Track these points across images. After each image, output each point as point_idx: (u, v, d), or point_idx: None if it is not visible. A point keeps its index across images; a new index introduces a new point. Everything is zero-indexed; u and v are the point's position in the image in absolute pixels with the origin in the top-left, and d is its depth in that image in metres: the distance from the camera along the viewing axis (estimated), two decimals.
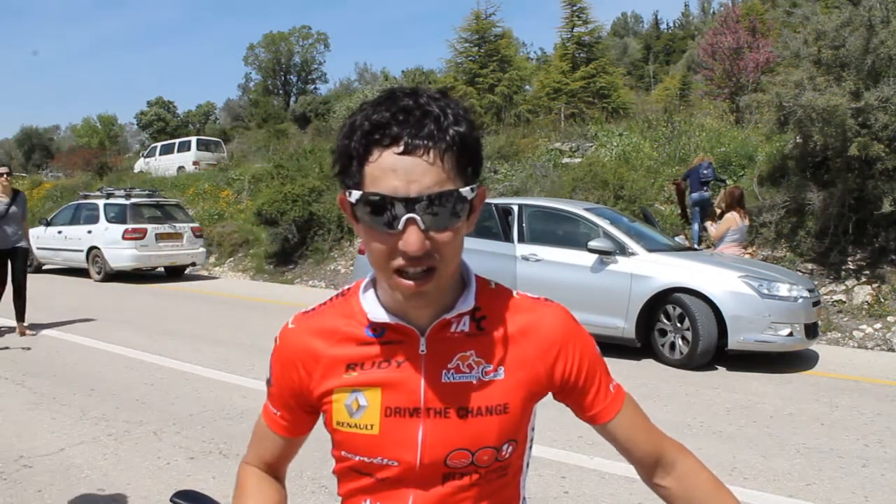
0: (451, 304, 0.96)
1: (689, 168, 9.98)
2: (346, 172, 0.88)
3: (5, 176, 7.08)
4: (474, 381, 0.95)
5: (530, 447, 1.07)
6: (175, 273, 13.51)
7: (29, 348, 6.61)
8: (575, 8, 19.01)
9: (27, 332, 7.26)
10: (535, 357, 0.98)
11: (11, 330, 7.33)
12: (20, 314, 7.25)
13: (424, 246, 0.85)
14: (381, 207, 0.85)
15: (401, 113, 0.85)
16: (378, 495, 0.98)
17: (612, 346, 6.31)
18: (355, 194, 0.87)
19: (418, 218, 0.84)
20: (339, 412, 0.98)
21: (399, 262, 0.86)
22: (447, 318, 0.95)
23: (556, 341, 0.99)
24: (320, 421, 1.05)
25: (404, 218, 0.84)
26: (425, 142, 0.84)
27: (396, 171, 0.84)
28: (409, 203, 0.83)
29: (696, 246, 9.33)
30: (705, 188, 9.59)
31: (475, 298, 0.98)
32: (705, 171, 9.58)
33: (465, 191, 0.87)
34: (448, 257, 0.89)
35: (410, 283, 0.87)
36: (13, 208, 7.15)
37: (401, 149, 0.84)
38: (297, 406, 1.04)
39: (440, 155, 0.84)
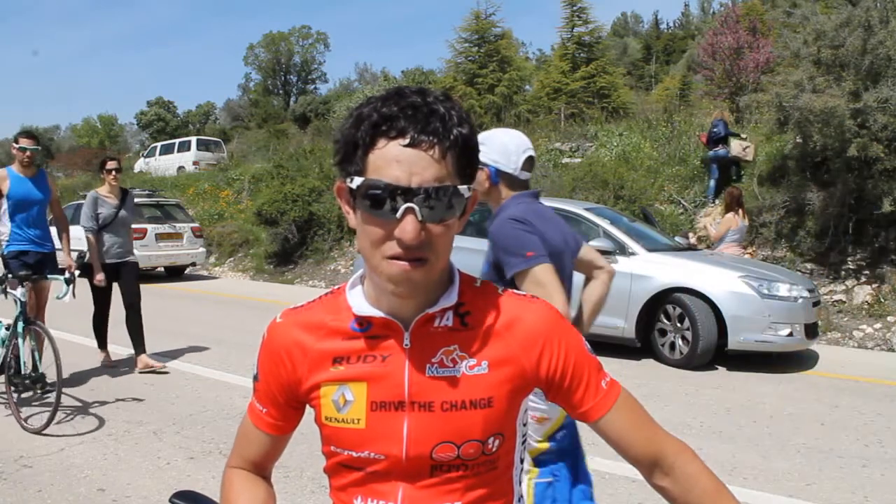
0: (435, 300, 0.98)
1: (709, 129, 10.52)
2: (349, 160, 0.92)
3: (114, 173, 5.72)
4: (458, 376, 0.97)
5: (523, 443, 1.07)
6: (175, 273, 13.51)
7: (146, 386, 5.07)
8: (575, 8, 19.01)
9: (153, 364, 5.75)
10: (519, 352, 0.99)
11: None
12: (138, 343, 5.76)
13: (420, 236, 0.87)
14: (381, 195, 0.87)
15: (409, 108, 0.88)
16: (368, 489, 0.99)
17: (612, 346, 6.31)
18: (357, 180, 0.90)
19: (417, 208, 0.87)
20: (327, 407, 0.99)
21: (393, 249, 0.89)
22: (430, 313, 0.97)
23: (540, 336, 1.00)
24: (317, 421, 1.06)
25: (403, 207, 0.87)
26: (430, 137, 0.87)
27: (400, 161, 0.87)
28: (410, 193, 0.87)
29: (711, 200, 10.03)
30: (720, 145, 10.01)
31: (459, 294, 1.00)
32: (715, 130, 10.04)
33: (463, 189, 0.91)
34: (440, 251, 0.91)
35: (405, 264, 0.89)
36: (122, 212, 5.76)
37: (406, 141, 0.87)
38: (285, 402, 1.05)
39: (443, 152, 0.88)
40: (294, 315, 1.05)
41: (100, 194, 5.75)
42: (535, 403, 1.91)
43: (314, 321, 1.02)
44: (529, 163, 2.09)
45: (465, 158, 0.91)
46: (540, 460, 2.04)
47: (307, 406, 1.06)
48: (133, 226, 12.17)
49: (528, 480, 2.01)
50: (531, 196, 2.11)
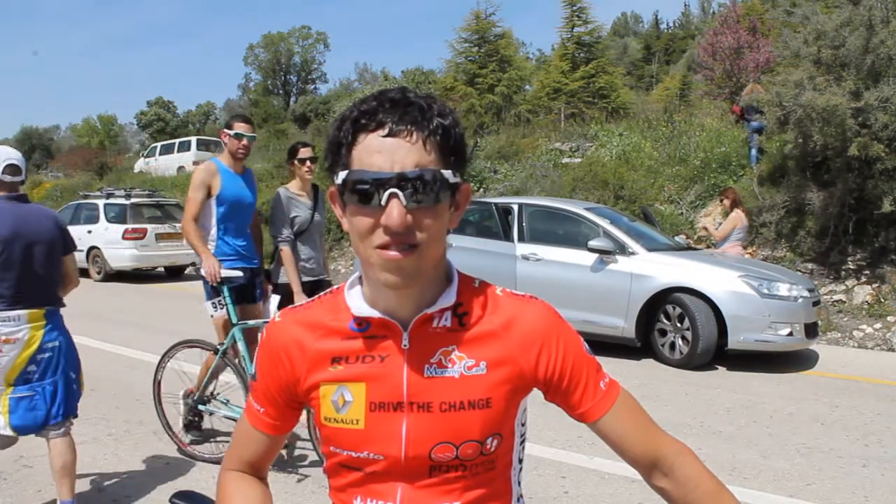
0: (433, 300, 0.98)
1: (743, 100, 10.63)
2: (336, 162, 0.93)
3: (309, 163, 4.29)
4: (456, 376, 0.97)
5: (521, 443, 1.07)
6: (175, 273, 13.52)
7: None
8: (575, 8, 19.01)
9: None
10: (518, 352, 0.99)
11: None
12: None
13: (406, 220, 0.87)
14: (365, 184, 0.88)
15: (387, 102, 0.90)
16: (367, 489, 0.99)
17: (612, 346, 6.31)
18: (342, 174, 0.90)
19: (400, 193, 0.87)
20: (326, 408, 0.99)
21: (382, 238, 0.89)
22: (429, 313, 0.97)
23: (538, 337, 1.00)
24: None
25: (387, 193, 0.87)
26: (409, 126, 0.88)
27: (381, 151, 0.88)
28: (392, 179, 0.87)
29: (753, 167, 10.17)
30: (760, 116, 10.15)
31: (457, 295, 0.99)
32: (757, 102, 10.06)
33: (447, 173, 0.91)
34: (430, 238, 0.91)
35: (395, 253, 0.88)
36: (317, 215, 4.41)
37: (385, 131, 0.88)
38: (284, 402, 1.05)
39: (423, 139, 0.89)
40: (293, 314, 1.05)
41: (291, 192, 4.31)
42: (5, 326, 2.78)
43: (313, 320, 1.02)
44: (11, 168, 2.86)
45: (448, 146, 0.91)
46: (22, 379, 2.86)
47: (304, 406, 1.06)
48: (133, 226, 12.55)
49: (3, 397, 2.85)
50: (6, 197, 2.86)
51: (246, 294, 3.93)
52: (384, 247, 0.89)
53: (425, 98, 0.92)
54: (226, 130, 3.90)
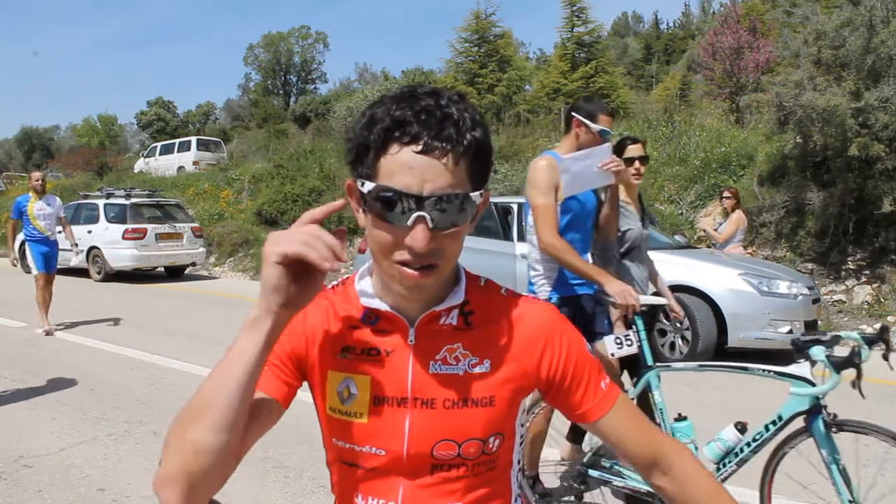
0: (441, 298, 0.98)
1: None
2: (360, 162, 0.91)
3: (637, 163, 3.42)
4: (461, 374, 0.97)
5: (521, 443, 1.08)
6: (175, 273, 13.52)
7: None
8: (575, 8, 19.05)
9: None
10: (521, 352, 0.99)
11: None
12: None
13: (431, 244, 0.87)
14: (392, 201, 0.87)
15: (423, 113, 0.87)
16: (369, 486, 0.99)
17: None
18: (368, 185, 0.89)
19: (427, 216, 0.86)
20: (331, 397, 1.00)
21: (403, 255, 0.89)
22: (436, 311, 0.98)
23: (541, 337, 1.00)
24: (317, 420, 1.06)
25: (414, 215, 0.86)
26: (443, 144, 0.86)
27: (413, 168, 0.86)
28: (421, 201, 0.86)
29: None
30: None
31: (465, 293, 1.00)
32: None
33: (475, 195, 0.90)
34: (449, 256, 0.92)
35: (414, 272, 0.89)
36: (646, 229, 3.69)
37: (419, 147, 0.86)
38: (289, 370, 1.00)
39: (456, 159, 0.87)
40: (315, 299, 1.04)
41: (620, 199, 3.29)
42: None
43: (328, 308, 1.03)
44: None
45: (478, 163, 0.91)
46: None
47: (298, 392, 1.03)
48: (133, 226, 12.57)
49: None
50: None
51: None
52: (404, 263, 0.89)
53: (458, 105, 0.89)
54: (584, 120, 2.92)
